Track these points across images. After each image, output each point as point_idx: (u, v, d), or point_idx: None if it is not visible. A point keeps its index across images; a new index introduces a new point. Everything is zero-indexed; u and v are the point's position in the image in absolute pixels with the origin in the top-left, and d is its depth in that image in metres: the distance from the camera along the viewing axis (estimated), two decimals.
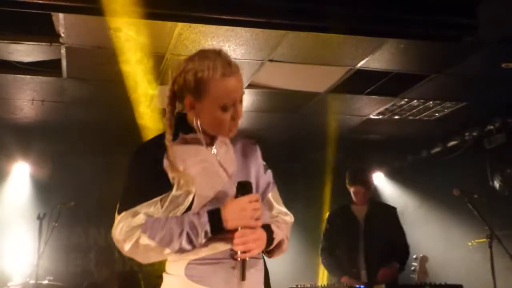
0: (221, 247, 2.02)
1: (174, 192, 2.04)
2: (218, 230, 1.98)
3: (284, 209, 2.31)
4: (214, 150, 2.12)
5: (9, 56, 4.83)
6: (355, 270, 4.92)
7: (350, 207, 5.21)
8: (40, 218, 5.77)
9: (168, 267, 2.09)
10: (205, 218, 1.98)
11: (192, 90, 2.03)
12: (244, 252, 1.97)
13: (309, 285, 4.73)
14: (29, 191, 7.53)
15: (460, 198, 4.85)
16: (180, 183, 2.03)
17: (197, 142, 2.11)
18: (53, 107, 6.13)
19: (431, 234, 7.33)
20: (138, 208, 2.01)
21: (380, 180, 8.53)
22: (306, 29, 4.12)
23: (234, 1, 3.65)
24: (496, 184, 6.35)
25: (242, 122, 2.30)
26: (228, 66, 2.02)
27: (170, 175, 2.04)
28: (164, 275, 2.12)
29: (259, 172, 2.23)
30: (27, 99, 5.85)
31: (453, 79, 5.47)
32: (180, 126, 2.11)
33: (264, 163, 2.30)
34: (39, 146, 7.27)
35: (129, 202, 2.03)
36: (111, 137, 6.85)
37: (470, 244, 6.27)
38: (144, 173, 2.07)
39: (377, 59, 4.93)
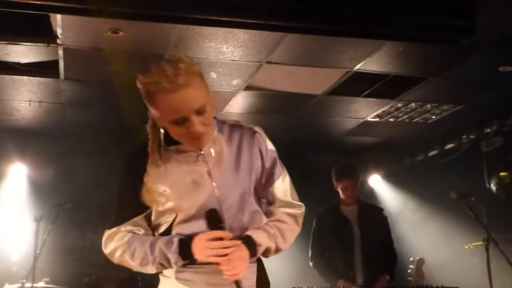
0: None
1: (155, 208, 2.09)
2: (191, 261, 2.02)
3: (290, 200, 2.24)
4: (200, 157, 2.10)
5: (6, 57, 4.82)
6: (352, 274, 4.87)
7: (339, 207, 5.15)
8: (37, 220, 5.75)
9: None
10: (176, 250, 2.01)
11: (147, 103, 2.02)
12: (234, 274, 2.00)
13: (306, 287, 4.71)
14: (26, 193, 7.51)
15: (457, 201, 4.85)
16: (162, 201, 2.06)
17: (181, 152, 2.10)
18: (50, 108, 6.12)
19: (428, 237, 7.33)
20: (121, 227, 2.09)
21: (377, 182, 8.53)
22: (304, 31, 4.11)
23: (233, 3, 3.65)
24: (493, 187, 6.36)
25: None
26: (175, 79, 1.91)
27: (152, 192, 2.08)
28: (160, 276, 2.16)
29: (254, 164, 2.17)
30: (24, 100, 5.84)
31: (450, 82, 5.47)
32: (165, 138, 2.10)
33: (272, 148, 2.23)
34: (36, 147, 7.26)
35: (115, 220, 2.12)
36: (108, 139, 6.84)
37: (466, 247, 6.27)
38: (128, 191, 2.11)
39: (374, 61, 4.93)
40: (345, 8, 3.79)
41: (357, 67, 5.05)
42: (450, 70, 5.19)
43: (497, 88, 5.59)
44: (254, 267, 2.14)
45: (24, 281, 5.69)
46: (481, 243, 4.78)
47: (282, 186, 2.23)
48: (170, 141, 2.09)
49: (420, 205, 7.75)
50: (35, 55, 4.81)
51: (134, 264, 2.06)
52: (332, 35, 4.28)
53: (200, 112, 1.97)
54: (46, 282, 5.94)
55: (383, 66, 5.05)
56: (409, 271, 5.32)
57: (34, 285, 5.61)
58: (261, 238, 2.12)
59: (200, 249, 1.99)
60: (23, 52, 4.74)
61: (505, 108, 6.11)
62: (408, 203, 7.94)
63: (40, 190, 7.39)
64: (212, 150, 2.11)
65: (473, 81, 5.49)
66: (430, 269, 5.43)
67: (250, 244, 2.08)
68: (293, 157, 8.01)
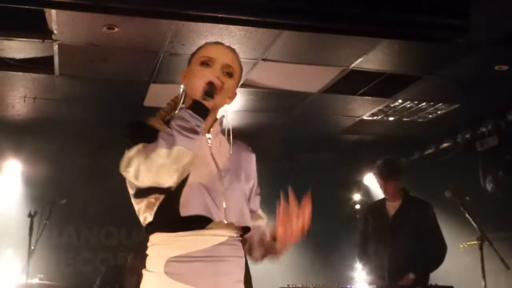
0: (199, 246, 2.00)
1: None
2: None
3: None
4: (209, 137, 2.14)
5: (1, 53, 4.80)
6: (381, 271, 4.87)
7: (385, 202, 5.17)
8: (31, 216, 5.73)
9: (148, 263, 2.07)
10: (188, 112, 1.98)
11: (192, 58, 2.20)
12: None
13: (300, 285, 4.71)
14: (20, 189, 7.48)
15: (452, 200, 4.85)
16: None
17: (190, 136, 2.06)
18: (45, 104, 6.10)
19: None
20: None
21: (372, 181, 8.51)
22: (300, 28, 4.11)
23: None
24: (488, 187, 6.36)
25: (236, 121, 2.30)
26: (222, 43, 2.23)
27: None
28: (144, 272, 2.08)
29: (250, 177, 2.24)
30: (19, 96, 5.82)
31: (446, 80, 5.47)
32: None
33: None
34: (31, 143, 7.22)
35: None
36: (103, 136, 6.82)
37: (461, 246, 6.27)
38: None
39: (370, 59, 4.93)
40: (341, 6, 3.79)
41: (353, 65, 5.05)
42: (445, 68, 5.19)
43: (493, 87, 5.59)
44: (242, 262, 2.12)
45: (18, 277, 5.67)
46: (476, 242, 4.79)
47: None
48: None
49: None
50: (30, 51, 4.80)
51: (149, 174, 1.91)
52: (328, 33, 4.28)
53: (226, 69, 2.12)
54: (40, 279, 5.92)
55: (379, 64, 5.05)
56: None
57: (28, 281, 5.60)
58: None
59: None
60: (18, 48, 4.72)
61: (500, 107, 6.11)
62: None
63: (34, 186, 7.36)
64: (218, 140, 2.18)
65: (468, 80, 5.49)
66: None
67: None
68: (288, 155, 8.01)
